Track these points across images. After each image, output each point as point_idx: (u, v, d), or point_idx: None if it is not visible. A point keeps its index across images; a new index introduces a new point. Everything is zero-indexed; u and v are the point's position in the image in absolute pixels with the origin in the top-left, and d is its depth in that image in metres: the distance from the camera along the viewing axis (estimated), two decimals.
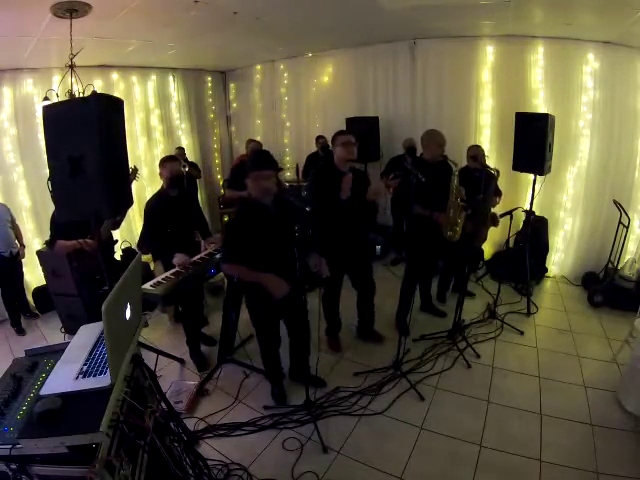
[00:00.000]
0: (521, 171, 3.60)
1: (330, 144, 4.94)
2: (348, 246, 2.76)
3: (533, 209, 3.62)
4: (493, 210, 3.46)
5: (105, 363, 1.22)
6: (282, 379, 2.62)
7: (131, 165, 3.17)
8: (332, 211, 2.61)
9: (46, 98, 3.27)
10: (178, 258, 2.62)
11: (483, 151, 3.47)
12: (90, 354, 1.30)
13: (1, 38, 3.03)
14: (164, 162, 2.83)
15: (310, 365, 2.55)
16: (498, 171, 2.94)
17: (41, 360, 1.36)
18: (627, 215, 3.55)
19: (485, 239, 3.60)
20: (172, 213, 2.75)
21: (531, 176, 3.49)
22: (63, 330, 3.42)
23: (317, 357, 2.54)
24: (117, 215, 2.85)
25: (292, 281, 2.17)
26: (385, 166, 4.74)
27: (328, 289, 2.94)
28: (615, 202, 3.60)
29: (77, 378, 1.18)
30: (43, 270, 3.49)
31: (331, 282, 2.89)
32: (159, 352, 2.73)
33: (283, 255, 2.17)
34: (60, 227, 2.84)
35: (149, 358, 1.84)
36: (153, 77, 5.39)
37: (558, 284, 4.24)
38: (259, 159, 2.27)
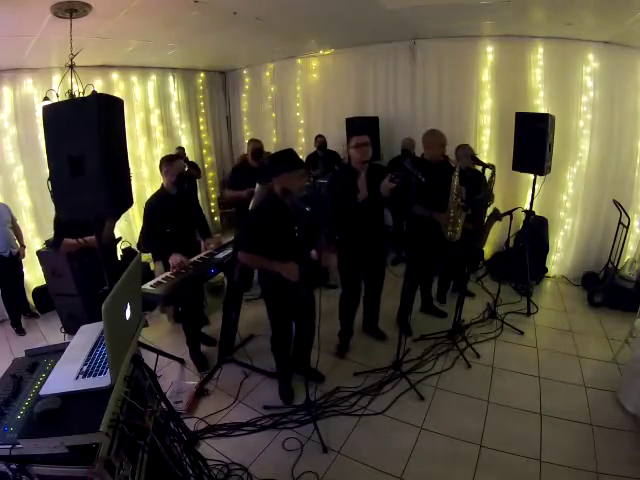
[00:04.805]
0: (521, 171, 3.61)
1: (327, 143, 5.04)
2: (367, 245, 2.77)
3: (533, 209, 3.62)
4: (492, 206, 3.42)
5: (105, 363, 1.21)
6: (291, 378, 2.62)
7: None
8: (350, 211, 2.64)
9: (46, 98, 3.27)
10: (173, 257, 2.60)
11: (471, 150, 3.31)
12: (90, 354, 1.30)
13: (1, 38, 3.03)
14: (170, 160, 2.81)
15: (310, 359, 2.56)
16: (493, 166, 2.87)
17: (41, 360, 1.36)
18: (627, 215, 3.55)
19: (485, 239, 3.58)
20: (171, 212, 2.74)
21: (531, 176, 3.49)
22: (63, 330, 3.42)
23: (317, 356, 2.53)
24: (118, 216, 2.85)
25: (302, 275, 2.18)
26: (385, 167, 4.73)
27: (347, 290, 2.93)
28: (615, 202, 3.59)
29: (77, 378, 1.18)
30: (43, 270, 3.50)
31: (351, 283, 2.89)
32: (159, 352, 2.72)
33: (295, 250, 2.18)
34: (65, 226, 2.84)
35: (149, 358, 1.84)
36: (153, 77, 5.39)
37: (558, 284, 4.24)
38: (291, 159, 2.22)
